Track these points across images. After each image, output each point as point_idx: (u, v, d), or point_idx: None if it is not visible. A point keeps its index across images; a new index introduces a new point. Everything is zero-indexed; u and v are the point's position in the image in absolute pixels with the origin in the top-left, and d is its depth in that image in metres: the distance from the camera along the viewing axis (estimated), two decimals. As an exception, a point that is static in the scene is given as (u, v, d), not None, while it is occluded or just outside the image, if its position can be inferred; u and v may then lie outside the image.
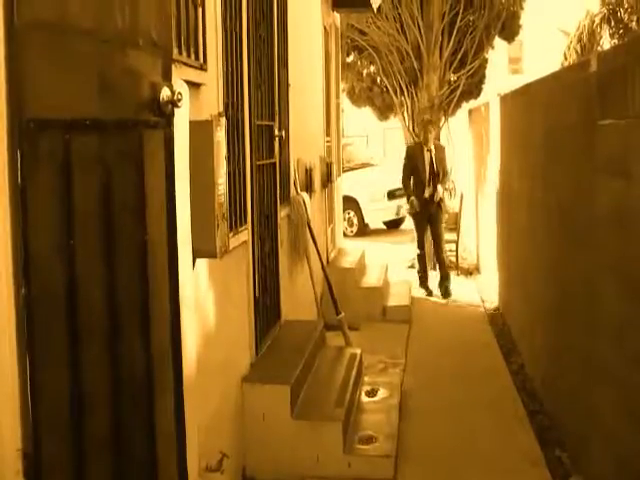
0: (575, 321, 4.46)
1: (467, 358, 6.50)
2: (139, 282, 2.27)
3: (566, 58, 16.72)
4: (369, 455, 4.18)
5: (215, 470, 3.14)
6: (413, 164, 9.08)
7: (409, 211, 9.48)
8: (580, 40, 16.16)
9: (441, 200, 9.14)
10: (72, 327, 1.90)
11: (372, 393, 5.14)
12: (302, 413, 4.23)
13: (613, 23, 13.80)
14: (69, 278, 1.90)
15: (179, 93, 2.43)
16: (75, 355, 1.92)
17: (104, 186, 2.09)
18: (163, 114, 2.41)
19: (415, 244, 9.40)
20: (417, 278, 9.38)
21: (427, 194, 8.93)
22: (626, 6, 13.37)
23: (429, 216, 9.09)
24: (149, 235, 2.31)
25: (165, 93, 2.39)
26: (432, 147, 9.11)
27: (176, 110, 2.50)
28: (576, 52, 16.19)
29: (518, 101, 6.95)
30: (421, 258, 9.30)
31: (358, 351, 5.52)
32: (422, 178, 8.96)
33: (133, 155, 2.26)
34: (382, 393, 5.15)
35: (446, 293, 9.07)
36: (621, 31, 13.30)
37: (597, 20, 14.58)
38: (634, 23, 13.40)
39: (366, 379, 5.47)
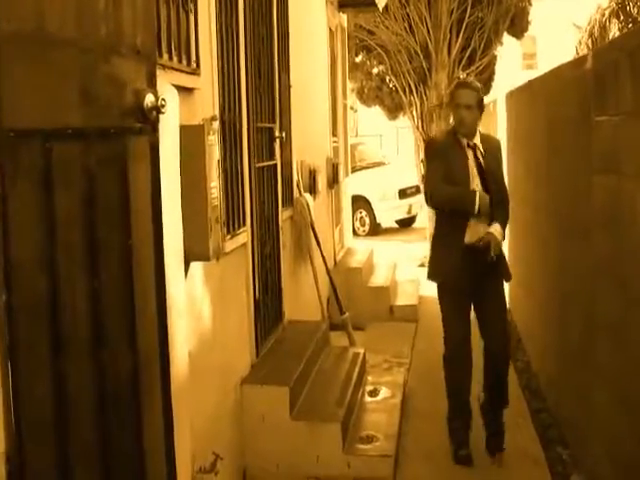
0: (575, 318, 4.45)
1: (473, 357, 6.48)
2: (124, 288, 2.29)
3: (578, 53, 16.62)
4: (368, 455, 4.20)
5: (209, 472, 3.17)
6: (443, 169, 4.47)
7: (429, 276, 4.78)
8: (591, 35, 16.05)
9: (502, 260, 4.60)
10: (55, 333, 1.93)
11: (374, 393, 5.16)
12: (302, 414, 4.25)
13: (622, 17, 13.72)
14: (51, 286, 1.92)
15: (163, 99, 2.45)
16: (58, 362, 1.94)
17: (87, 194, 2.11)
18: (148, 120, 2.43)
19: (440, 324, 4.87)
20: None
21: (470, 238, 4.40)
22: (635, 0, 13.30)
23: (476, 290, 4.50)
24: (134, 241, 2.34)
25: (149, 99, 2.41)
26: (478, 141, 4.56)
27: (165, 115, 2.52)
28: (587, 47, 16.08)
29: (522, 98, 6.94)
30: (457, 405, 4.73)
31: (361, 351, 5.54)
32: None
33: (117, 162, 2.28)
34: (384, 393, 5.17)
35: (497, 446, 4.59)
36: (630, 25, 13.23)
37: (607, 14, 14.51)
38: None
39: (370, 379, 5.48)
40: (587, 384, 4.06)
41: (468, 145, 4.51)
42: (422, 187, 12.04)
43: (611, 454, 3.61)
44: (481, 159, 4.51)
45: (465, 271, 4.38)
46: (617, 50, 3.48)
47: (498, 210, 4.50)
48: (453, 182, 4.45)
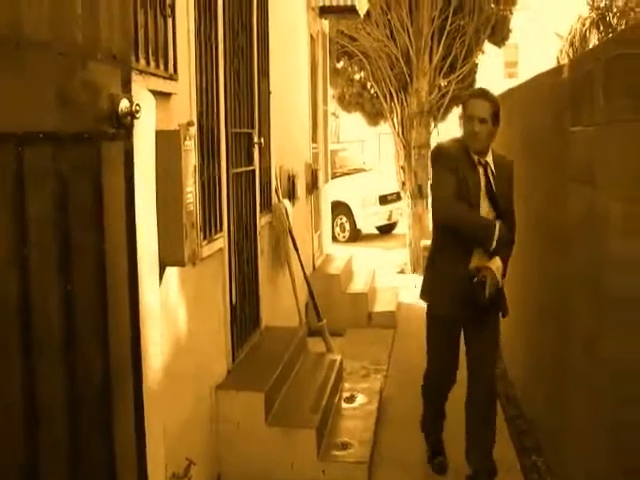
0: (551, 327, 4.48)
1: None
2: (96, 292, 2.29)
3: (559, 62, 16.76)
4: (343, 461, 4.20)
5: (182, 477, 3.16)
6: (455, 183, 3.94)
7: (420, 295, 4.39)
8: (572, 44, 16.21)
9: (501, 294, 4.08)
10: (26, 336, 1.92)
11: (351, 399, 5.17)
12: (277, 420, 4.25)
13: (602, 27, 13.87)
14: (23, 289, 1.91)
15: (137, 104, 2.45)
16: (29, 364, 1.93)
17: (60, 198, 2.11)
18: (122, 125, 2.43)
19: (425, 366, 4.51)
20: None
21: (473, 265, 3.98)
22: (615, 10, 13.45)
23: (470, 322, 4.12)
24: (107, 245, 2.33)
25: (124, 105, 2.41)
26: (490, 160, 4.10)
27: (141, 120, 2.52)
28: (568, 56, 16.23)
29: (501, 106, 6.96)
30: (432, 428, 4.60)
31: (338, 357, 5.54)
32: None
33: (90, 167, 2.27)
34: (361, 399, 5.18)
35: None
36: (610, 35, 13.38)
37: (587, 24, 14.67)
38: (623, 27, 13.49)
39: (347, 385, 5.49)
40: (561, 392, 4.09)
41: (479, 162, 4.03)
42: (402, 194, 12.25)
43: (584, 462, 3.64)
44: (491, 180, 4.01)
45: (464, 304, 3.94)
46: (592, 60, 3.51)
47: (502, 243, 3.97)
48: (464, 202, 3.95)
